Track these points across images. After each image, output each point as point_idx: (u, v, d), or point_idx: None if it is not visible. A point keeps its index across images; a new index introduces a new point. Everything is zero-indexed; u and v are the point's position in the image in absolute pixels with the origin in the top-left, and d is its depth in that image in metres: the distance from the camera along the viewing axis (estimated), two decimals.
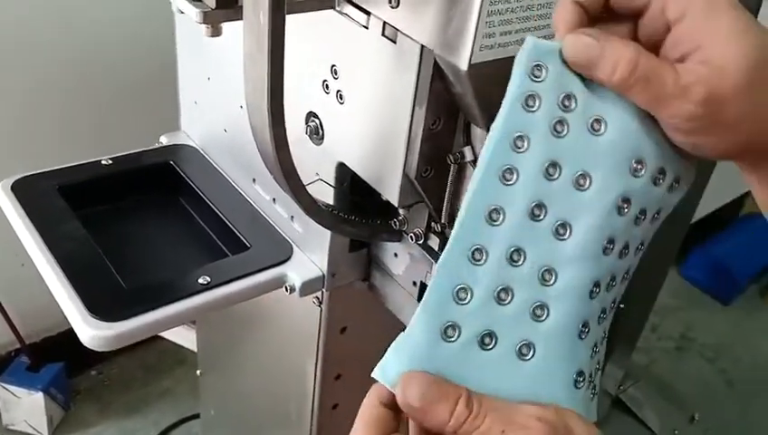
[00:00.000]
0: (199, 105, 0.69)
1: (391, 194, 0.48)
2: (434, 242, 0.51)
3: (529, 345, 0.28)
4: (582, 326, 0.29)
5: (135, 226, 0.63)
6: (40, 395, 1.15)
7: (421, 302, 0.28)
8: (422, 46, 0.40)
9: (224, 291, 0.54)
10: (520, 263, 0.28)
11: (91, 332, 0.49)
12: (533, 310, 0.28)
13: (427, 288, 0.28)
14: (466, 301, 0.28)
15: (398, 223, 0.52)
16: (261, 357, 0.77)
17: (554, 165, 0.28)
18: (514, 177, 0.28)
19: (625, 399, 1.37)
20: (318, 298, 0.61)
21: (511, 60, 0.39)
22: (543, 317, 0.28)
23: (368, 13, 0.43)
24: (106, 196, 0.64)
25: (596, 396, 0.31)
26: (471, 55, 0.37)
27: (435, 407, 0.26)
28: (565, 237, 0.28)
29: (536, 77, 0.28)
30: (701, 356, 1.52)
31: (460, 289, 0.28)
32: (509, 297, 0.28)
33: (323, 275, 0.58)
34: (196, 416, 1.09)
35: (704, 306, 1.65)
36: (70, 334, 0.50)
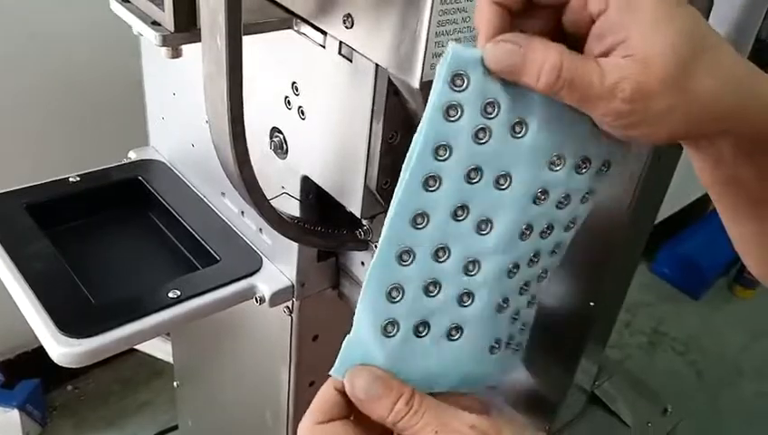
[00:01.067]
0: (166, 121, 0.70)
1: (354, 206, 0.49)
2: None
3: (457, 328, 0.31)
4: (502, 302, 0.32)
5: (104, 242, 0.64)
6: (15, 412, 1.13)
7: (358, 303, 0.30)
8: (377, 65, 0.42)
9: (194, 304, 0.55)
10: (445, 259, 0.30)
11: (61, 349, 0.49)
12: (460, 298, 0.31)
13: (362, 290, 0.30)
14: (398, 299, 0.30)
15: (362, 233, 0.54)
16: (236, 367, 0.78)
17: (476, 169, 0.29)
18: (437, 184, 0.29)
19: (600, 394, 1.40)
20: (288, 308, 0.62)
21: None
22: (469, 303, 0.31)
23: (324, 33, 0.44)
24: (74, 213, 0.64)
25: (518, 352, 0.35)
26: (422, 74, 0.38)
27: (377, 401, 0.29)
28: (486, 232, 0.30)
29: (457, 87, 0.28)
30: (672, 350, 1.56)
31: (393, 289, 0.30)
32: (437, 290, 0.30)
33: (293, 285, 0.59)
34: (175, 428, 1.09)
35: (674, 301, 1.69)
36: (45, 350, 0.50)
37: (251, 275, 0.59)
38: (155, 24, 0.41)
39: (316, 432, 0.29)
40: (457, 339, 0.31)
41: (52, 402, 1.25)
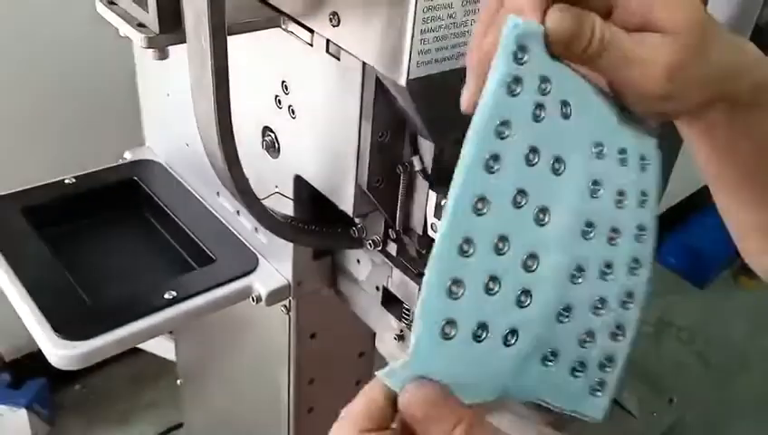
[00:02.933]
0: (161, 120, 0.70)
1: (346, 204, 0.49)
2: (392, 248, 0.53)
3: (513, 332, 0.29)
4: (563, 310, 0.29)
5: (100, 243, 0.64)
6: (23, 411, 1.14)
7: (418, 303, 0.27)
8: (364, 63, 0.42)
9: (189, 305, 0.55)
10: (505, 251, 0.28)
11: (58, 351, 0.50)
12: (519, 296, 0.28)
13: (422, 288, 0.27)
14: (459, 295, 0.27)
15: (356, 231, 0.54)
16: (238, 365, 0.78)
17: (534, 151, 0.28)
18: (498, 165, 0.27)
19: None
20: (286, 306, 0.62)
21: (448, 73, 0.40)
22: (527, 303, 0.29)
23: (312, 31, 0.44)
24: (70, 215, 0.64)
25: (598, 392, 0.31)
26: (408, 71, 0.38)
27: (435, 423, 0.26)
28: (545, 223, 0.28)
29: (519, 60, 0.27)
30: (678, 339, 1.56)
31: (453, 283, 0.27)
32: (497, 286, 0.28)
33: (289, 284, 0.59)
34: (181, 425, 1.10)
35: (680, 291, 1.68)
36: None
37: (247, 274, 0.59)
38: (141, 25, 0.41)
39: None
40: (513, 345, 0.28)
41: (60, 401, 1.26)
